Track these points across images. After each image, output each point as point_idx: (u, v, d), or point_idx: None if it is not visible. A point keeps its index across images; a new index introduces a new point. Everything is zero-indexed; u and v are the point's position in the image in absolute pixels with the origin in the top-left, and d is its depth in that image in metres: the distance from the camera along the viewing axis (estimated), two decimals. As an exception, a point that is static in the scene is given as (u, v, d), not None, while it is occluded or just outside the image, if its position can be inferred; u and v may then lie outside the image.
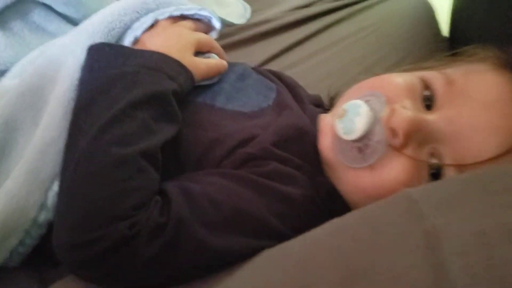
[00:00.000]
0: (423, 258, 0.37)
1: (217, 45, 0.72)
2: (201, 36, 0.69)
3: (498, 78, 0.59)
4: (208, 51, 0.70)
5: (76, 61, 0.60)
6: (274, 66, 0.99)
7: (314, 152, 0.63)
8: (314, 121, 0.67)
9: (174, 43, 0.64)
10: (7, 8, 0.70)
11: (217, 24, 0.73)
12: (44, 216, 0.57)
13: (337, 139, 0.60)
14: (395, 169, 0.56)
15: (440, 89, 0.59)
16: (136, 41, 0.66)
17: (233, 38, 1.02)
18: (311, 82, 0.92)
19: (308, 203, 0.58)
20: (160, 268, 0.50)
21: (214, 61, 0.68)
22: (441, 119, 0.57)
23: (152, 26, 0.68)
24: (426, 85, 0.61)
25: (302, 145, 0.62)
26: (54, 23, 0.74)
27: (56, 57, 0.63)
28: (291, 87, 0.75)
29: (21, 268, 0.60)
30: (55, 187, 0.57)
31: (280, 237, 0.52)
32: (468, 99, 0.57)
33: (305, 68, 0.98)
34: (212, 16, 0.72)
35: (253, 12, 1.08)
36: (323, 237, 0.46)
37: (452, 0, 1.05)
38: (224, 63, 0.69)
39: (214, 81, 0.68)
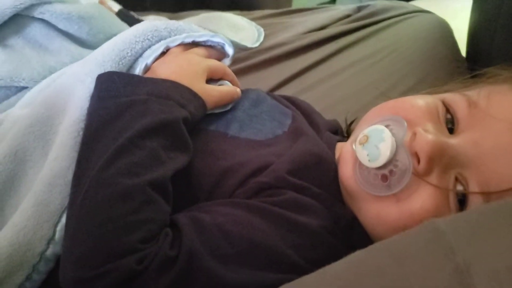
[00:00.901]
0: (455, 296, 0.35)
1: (230, 71, 0.70)
2: (213, 62, 0.68)
3: None
4: (221, 78, 0.69)
5: (86, 91, 0.59)
6: (288, 89, 0.98)
7: (333, 180, 0.61)
8: (331, 149, 0.65)
9: (185, 70, 0.63)
10: (5, 24, 0.69)
11: (230, 51, 0.72)
12: (52, 251, 0.55)
13: (360, 167, 0.57)
14: (421, 197, 0.54)
15: (463, 111, 0.57)
16: (147, 69, 0.65)
17: (247, 62, 1.02)
18: (327, 106, 0.90)
19: (326, 234, 0.55)
20: None
21: (226, 88, 0.67)
22: (465, 142, 0.54)
23: (163, 53, 0.67)
24: (448, 108, 0.58)
25: (319, 173, 0.60)
26: (56, 42, 0.72)
27: (65, 86, 0.62)
28: (307, 114, 0.73)
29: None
30: (64, 220, 0.55)
31: (297, 270, 0.49)
32: (492, 120, 0.54)
33: (320, 92, 0.97)
34: (225, 43, 0.71)
35: (267, 36, 1.07)
36: (343, 272, 0.43)
37: (470, 19, 1.03)
38: (238, 90, 0.68)
39: (227, 108, 0.67)
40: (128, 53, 0.64)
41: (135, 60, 0.65)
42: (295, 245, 0.53)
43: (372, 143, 0.56)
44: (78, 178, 0.53)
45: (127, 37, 0.65)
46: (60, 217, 0.56)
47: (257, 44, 1.04)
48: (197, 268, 0.48)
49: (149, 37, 0.66)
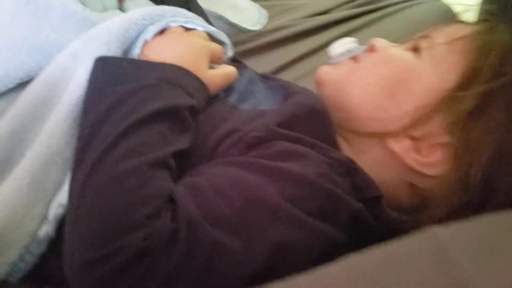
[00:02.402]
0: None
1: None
2: (215, 47, 0.67)
3: None
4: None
5: (88, 71, 0.58)
6: (289, 74, 0.96)
7: (328, 129, 0.60)
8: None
9: (190, 56, 0.62)
10: None
11: (229, 51, 0.71)
12: (44, 231, 0.54)
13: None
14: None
15: None
16: (145, 43, 0.63)
17: (248, 45, 1.00)
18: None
19: (324, 182, 0.53)
20: (183, 282, 0.46)
21: (226, 71, 0.66)
22: None
23: (163, 31, 0.65)
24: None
25: (312, 123, 0.59)
26: None
27: (67, 65, 0.61)
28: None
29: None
30: (58, 198, 0.55)
31: (299, 225, 0.49)
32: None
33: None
34: (226, 43, 0.71)
35: (269, 18, 1.05)
36: (339, 279, 0.42)
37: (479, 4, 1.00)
38: (235, 71, 0.67)
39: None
40: (132, 34, 0.63)
41: (137, 37, 0.64)
42: (294, 198, 0.51)
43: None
44: (81, 157, 0.51)
45: (134, 16, 0.64)
46: (55, 195, 0.55)
47: (258, 27, 1.03)
48: (199, 237, 0.46)
49: (155, 20, 0.65)
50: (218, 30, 0.70)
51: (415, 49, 0.64)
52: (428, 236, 0.40)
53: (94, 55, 0.59)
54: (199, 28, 0.68)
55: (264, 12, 1.05)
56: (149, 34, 0.63)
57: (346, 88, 0.64)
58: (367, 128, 0.61)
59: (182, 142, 0.55)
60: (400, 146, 0.58)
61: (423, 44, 0.63)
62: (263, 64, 0.96)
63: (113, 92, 0.55)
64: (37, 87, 0.59)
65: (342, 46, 0.69)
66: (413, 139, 0.58)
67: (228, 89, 0.65)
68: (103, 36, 0.61)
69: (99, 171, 0.49)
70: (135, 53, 0.63)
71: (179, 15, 0.68)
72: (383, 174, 0.59)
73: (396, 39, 0.98)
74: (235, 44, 0.96)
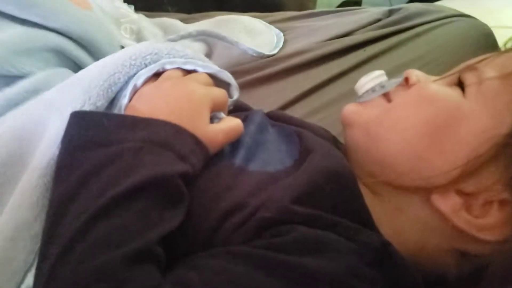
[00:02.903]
0: None
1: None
2: (217, 93, 0.57)
3: None
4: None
5: (64, 125, 0.49)
6: (309, 103, 0.89)
7: (353, 197, 0.51)
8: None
9: (187, 107, 0.53)
10: None
11: (235, 94, 0.62)
12: None
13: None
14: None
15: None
16: (135, 90, 0.54)
17: (264, 71, 0.92)
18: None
19: (351, 280, 0.44)
20: None
21: (231, 126, 0.56)
22: None
23: (157, 74, 0.57)
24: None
25: (335, 193, 0.50)
26: None
27: (40, 116, 0.52)
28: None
29: None
30: (28, 281, 0.47)
31: None
32: None
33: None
34: (231, 84, 0.61)
35: (287, 41, 0.99)
36: None
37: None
38: (241, 124, 0.57)
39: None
40: (120, 78, 0.54)
41: (127, 83, 0.55)
42: None
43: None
44: (48, 243, 0.43)
45: (121, 58, 0.55)
46: (25, 276, 0.47)
47: (275, 51, 0.96)
48: None
49: (147, 61, 0.56)
50: (222, 70, 0.61)
51: (459, 85, 0.55)
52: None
53: (71, 105, 0.50)
54: (200, 69, 0.59)
55: (281, 36, 0.98)
56: (140, 80, 0.55)
57: (379, 132, 0.55)
58: (406, 182, 0.52)
59: (173, 220, 0.46)
60: (447, 203, 0.50)
61: (469, 78, 0.54)
62: (280, 92, 0.89)
63: (86, 159, 0.46)
64: (8, 142, 0.51)
65: (372, 81, 0.61)
66: (463, 194, 0.50)
67: (233, 143, 0.56)
68: (84, 82, 0.53)
69: (63, 267, 0.40)
70: (123, 103, 0.54)
71: (175, 53, 0.59)
72: (424, 236, 0.51)
73: (427, 63, 0.90)
74: (249, 70, 0.90)
